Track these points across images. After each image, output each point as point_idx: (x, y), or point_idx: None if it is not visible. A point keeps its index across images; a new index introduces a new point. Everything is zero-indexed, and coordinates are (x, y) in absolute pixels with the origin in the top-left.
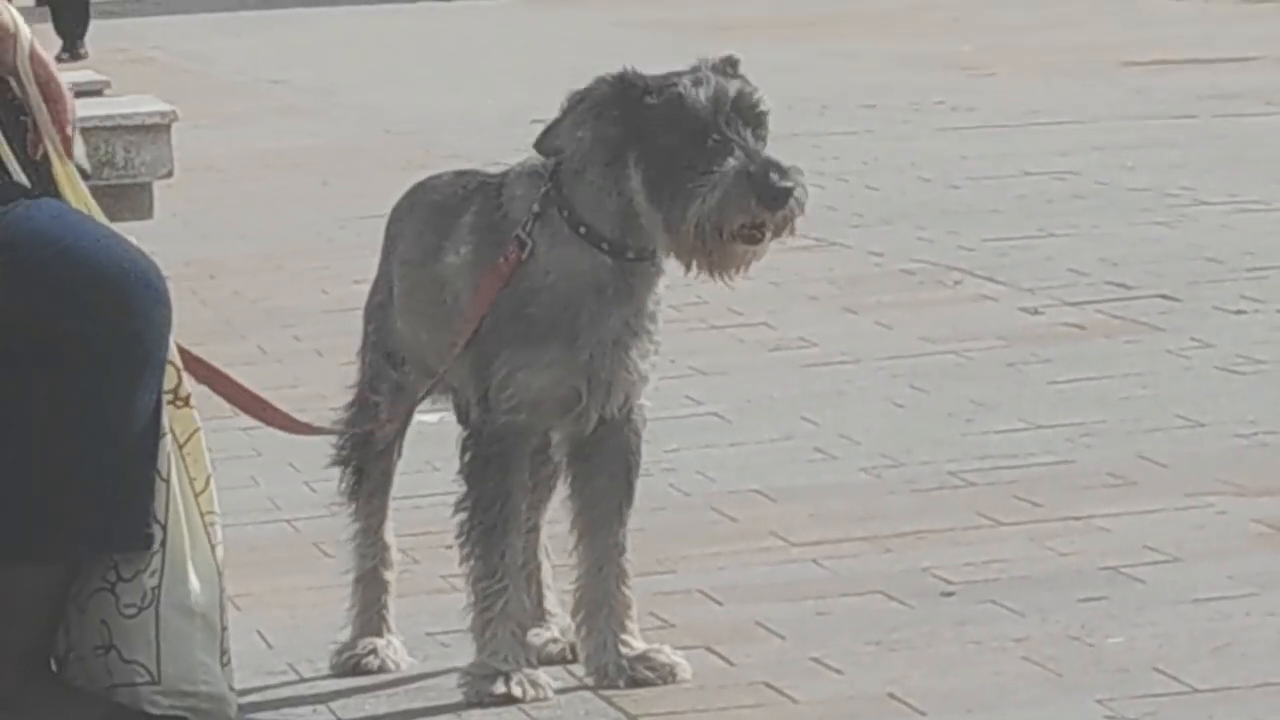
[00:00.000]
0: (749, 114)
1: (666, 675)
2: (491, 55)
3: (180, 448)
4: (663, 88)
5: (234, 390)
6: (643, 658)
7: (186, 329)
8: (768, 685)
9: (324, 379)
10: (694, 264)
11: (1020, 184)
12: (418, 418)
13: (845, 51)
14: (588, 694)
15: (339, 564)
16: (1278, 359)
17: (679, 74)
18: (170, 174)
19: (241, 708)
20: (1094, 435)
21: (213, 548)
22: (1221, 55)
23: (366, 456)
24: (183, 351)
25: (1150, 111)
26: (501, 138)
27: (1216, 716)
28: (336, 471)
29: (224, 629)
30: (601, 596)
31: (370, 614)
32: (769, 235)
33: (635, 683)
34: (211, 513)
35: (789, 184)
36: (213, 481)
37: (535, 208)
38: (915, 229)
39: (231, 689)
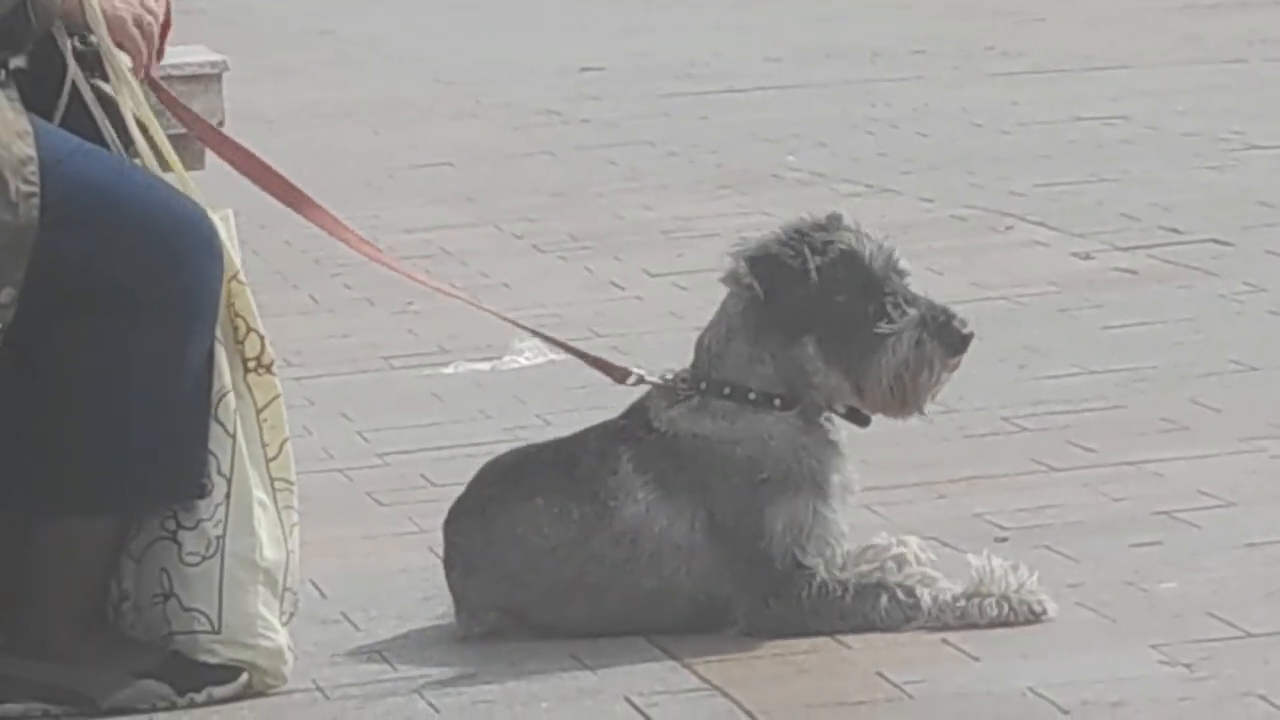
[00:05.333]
0: (899, 266)
1: None
2: (540, 4)
3: (258, 412)
4: (825, 248)
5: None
6: None
7: None
8: (822, 635)
9: (376, 327)
10: (885, 413)
11: (1071, 129)
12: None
13: None
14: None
15: (391, 513)
16: None
17: (816, 234)
18: (221, 124)
19: (296, 656)
20: (1147, 380)
21: (280, 511)
22: None
23: None
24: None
25: (1200, 56)
26: (552, 87)
27: (1271, 661)
28: (390, 420)
29: (287, 589)
30: None
31: None
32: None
33: None
34: (285, 479)
35: (970, 331)
36: (288, 447)
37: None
38: (966, 175)
39: (290, 648)
